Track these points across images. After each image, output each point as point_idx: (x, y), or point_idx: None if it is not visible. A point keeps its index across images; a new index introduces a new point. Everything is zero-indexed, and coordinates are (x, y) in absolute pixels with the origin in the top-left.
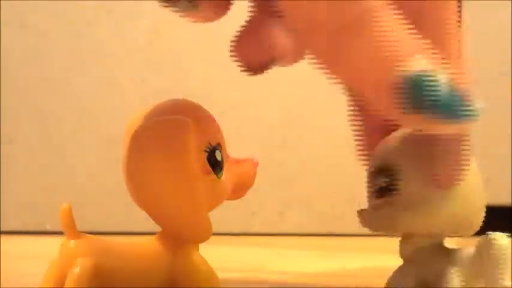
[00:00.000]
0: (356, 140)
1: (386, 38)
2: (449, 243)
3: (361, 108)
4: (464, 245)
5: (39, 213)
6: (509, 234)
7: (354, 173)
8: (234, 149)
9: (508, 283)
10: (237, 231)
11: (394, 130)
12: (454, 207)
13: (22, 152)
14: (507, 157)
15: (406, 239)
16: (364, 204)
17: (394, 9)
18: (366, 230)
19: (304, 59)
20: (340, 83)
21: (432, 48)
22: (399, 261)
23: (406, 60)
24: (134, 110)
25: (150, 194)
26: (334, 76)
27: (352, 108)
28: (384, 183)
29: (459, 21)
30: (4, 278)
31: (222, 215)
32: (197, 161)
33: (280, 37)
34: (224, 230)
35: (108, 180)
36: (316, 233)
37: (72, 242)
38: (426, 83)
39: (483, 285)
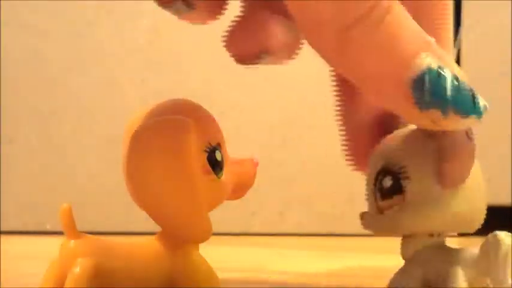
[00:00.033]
0: (343, 141)
1: (398, 34)
2: (449, 243)
3: (349, 108)
4: (464, 245)
5: (39, 213)
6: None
7: (354, 173)
8: (234, 149)
9: None
10: (237, 231)
11: (384, 131)
12: (460, 206)
13: (22, 152)
14: (507, 157)
15: (407, 239)
16: (364, 205)
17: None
18: (366, 230)
19: (296, 56)
20: (351, 81)
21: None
22: (400, 261)
23: (419, 57)
24: (134, 110)
25: (150, 194)
26: (344, 75)
27: (339, 108)
28: (390, 184)
29: (449, 19)
30: (4, 278)
31: (222, 215)
32: (197, 161)
33: (273, 30)
34: (224, 230)
35: (108, 180)
36: (316, 233)
37: (72, 242)
38: (441, 79)
39: (489, 285)
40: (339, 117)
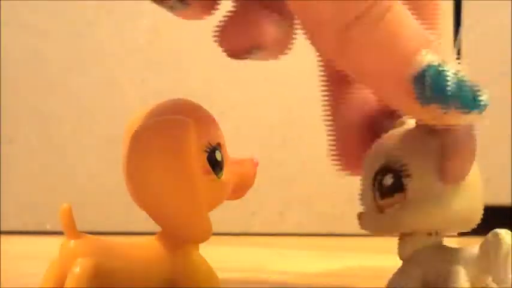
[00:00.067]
0: (330, 142)
1: (399, 31)
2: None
3: (336, 109)
4: (462, 245)
5: (39, 213)
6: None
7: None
8: (234, 149)
9: None
10: (237, 231)
11: (374, 133)
12: (461, 203)
13: (22, 152)
14: (507, 157)
15: (405, 239)
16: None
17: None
18: (364, 231)
19: (288, 52)
20: (353, 78)
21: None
22: (399, 262)
23: (419, 54)
24: (134, 110)
25: (150, 193)
26: (347, 72)
27: (326, 109)
28: (391, 182)
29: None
30: (4, 278)
31: (222, 215)
32: (197, 161)
33: (265, 26)
34: (224, 230)
35: (108, 180)
36: (316, 233)
37: (72, 242)
38: (443, 74)
39: (488, 285)
40: (327, 118)
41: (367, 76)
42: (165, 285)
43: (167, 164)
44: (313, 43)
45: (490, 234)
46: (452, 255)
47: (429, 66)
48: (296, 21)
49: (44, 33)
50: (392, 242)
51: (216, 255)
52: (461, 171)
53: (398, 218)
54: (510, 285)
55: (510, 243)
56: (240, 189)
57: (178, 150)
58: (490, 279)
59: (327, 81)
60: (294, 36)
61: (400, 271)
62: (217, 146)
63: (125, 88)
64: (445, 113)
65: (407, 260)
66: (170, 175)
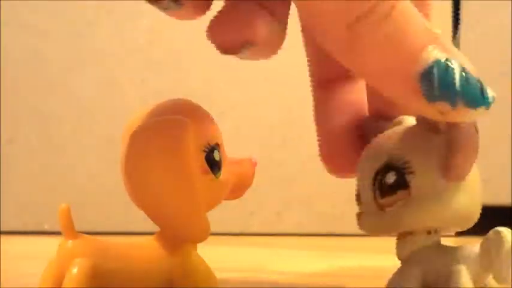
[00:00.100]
0: (319, 143)
1: (405, 28)
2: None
3: (326, 111)
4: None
5: (39, 213)
6: None
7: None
8: (233, 149)
9: None
10: (236, 231)
11: (364, 135)
12: (462, 201)
13: (22, 152)
14: (507, 157)
15: (404, 238)
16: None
17: None
18: (363, 231)
19: (278, 51)
20: (359, 76)
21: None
22: (399, 262)
23: (426, 50)
24: (134, 110)
25: (149, 193)
26: (353, 71)
27: (315, 110)
28: (393, 179)
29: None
30: (4, 278)
31: (220, 215)
32: (196, 160)
33: (257, 23)
34: (222, 230)
35: (108, 180)
36: (316, 233)
37: (70, 242)
38: (450, 70)
39: (486, 285)
40: (316, 119)
41: (374, 74)
42: (164, 285)
43: (166, 163)
44: (319, 42)
45: (491, 232)
46: (452, 254)
47: (436, 62)
48: (287, 23)
49: (44, 33)
50: (392, 242)
51: (214, 255)
52: (465, 168)
53: (400, 215)
54: (511, 283)
55: (511, 241)
56: (239, 189)
57: (177, 150)
58: (490, 277)
59: (315, 85)
60: (284, 37)
61: (400, 271)
62: (216, 146)
63: (125, 88)
64: (452, 109)
65: (407, 259)
66: (168, 175)
